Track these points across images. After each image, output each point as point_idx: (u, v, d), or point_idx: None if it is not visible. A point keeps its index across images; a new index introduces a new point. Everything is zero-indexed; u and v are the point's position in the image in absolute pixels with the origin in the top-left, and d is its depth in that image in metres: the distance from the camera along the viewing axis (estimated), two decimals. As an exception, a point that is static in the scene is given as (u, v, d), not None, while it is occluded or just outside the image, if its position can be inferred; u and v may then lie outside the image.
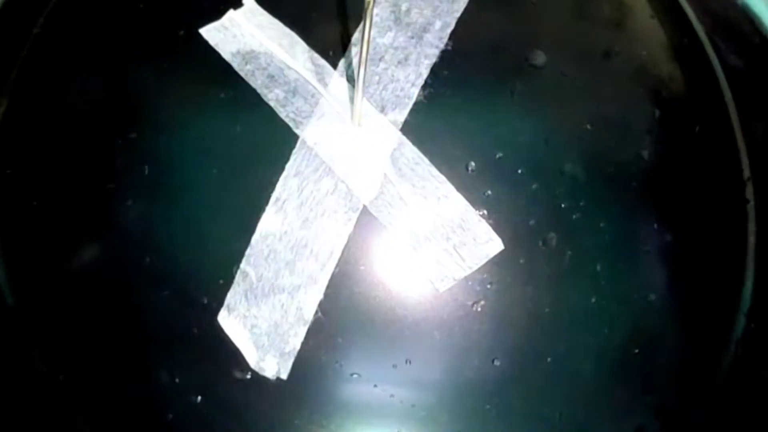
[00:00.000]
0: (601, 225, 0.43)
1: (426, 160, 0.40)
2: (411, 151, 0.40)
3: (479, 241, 0.40)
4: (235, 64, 0.41)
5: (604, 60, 0.45)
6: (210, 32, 0.42)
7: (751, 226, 0.50)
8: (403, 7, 0.41)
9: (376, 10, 0.42)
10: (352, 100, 0.40)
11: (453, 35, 0.42)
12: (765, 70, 0.55)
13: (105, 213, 0.42)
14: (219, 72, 0.42)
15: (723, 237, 0.49)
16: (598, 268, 0.43)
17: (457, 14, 0.42)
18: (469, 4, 0.42)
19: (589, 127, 0.44)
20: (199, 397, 0.42)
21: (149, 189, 0.41)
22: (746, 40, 0.56)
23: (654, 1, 0.49)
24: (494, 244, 0.41)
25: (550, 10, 0.45)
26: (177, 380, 0.43)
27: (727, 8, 0.56)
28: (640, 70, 0.46)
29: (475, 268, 0.41)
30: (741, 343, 0.49)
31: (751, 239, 0.50)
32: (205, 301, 0.41)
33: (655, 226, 0.44)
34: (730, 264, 0.49)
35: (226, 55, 0.41)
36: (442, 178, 0.40)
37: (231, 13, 0.42)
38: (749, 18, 0.55)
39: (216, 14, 0.42)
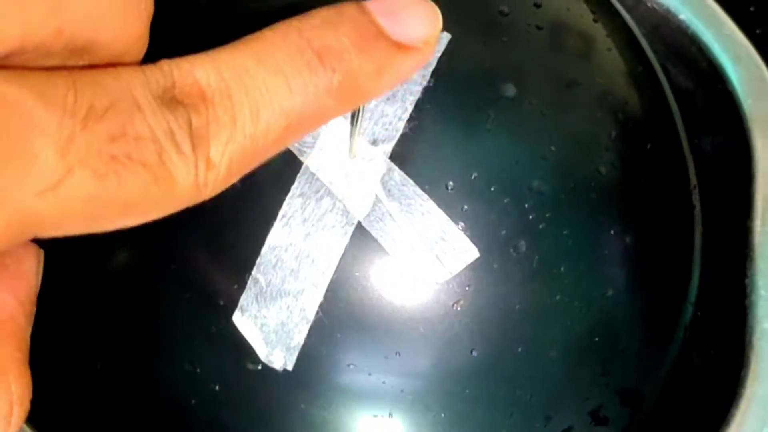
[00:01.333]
0: (564, 233, 0.43)
1: (411, 182, 0.40)
2: (398, 174, 0.40)
3: (458, 249, 0.41)
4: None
5: (567, 90, 0.45)
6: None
7: (697, 229, 0.50)
8: None
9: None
10: (349, 134, 0.40)
11: (434, 73, 0.41)
12: (710, 90, 0.55)
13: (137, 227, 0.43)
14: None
15: (672, 238, 0.49)
16: (562, 269, 0.43)
17: (438, 54, 0.42)
18: (447, 45, 0.42)
19: (553, 148, 0.43)
20: (218, 386, 0.43)
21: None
22: (694, 64, 0.56)
23: (611, 34, 0.48)
24: (471, 252, 0.41)
25: (519, 47, 0.45)
26: (198, 371, 0.43)
27: (677, 36, 0.56)
28: (599, 97, 0.46)
29: (455, 273, 0.41)
30: (689, 329, 0.49)
31: (697, 240, 0.50)
32: (222, 303, 0.41)
33: (612, 232, 0.44)
34: (679, 261, 0.49)
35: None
36: (425, 196, 0.40)
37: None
38: (697, 45, 0.55)
39: None
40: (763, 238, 0.50)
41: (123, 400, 0.47)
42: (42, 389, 0.45)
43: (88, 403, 0.48)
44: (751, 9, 0.67)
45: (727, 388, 0.48)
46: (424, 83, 0.41)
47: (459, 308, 0.41)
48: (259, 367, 0.41)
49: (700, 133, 0.52)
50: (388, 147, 0.40)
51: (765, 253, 0.50)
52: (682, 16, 0.55)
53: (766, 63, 0.54)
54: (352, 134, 0.39)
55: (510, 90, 0.43)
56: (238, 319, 0.41)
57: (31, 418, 0.44)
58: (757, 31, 0.56)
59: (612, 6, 0.51)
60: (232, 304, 0.41)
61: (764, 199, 0.51)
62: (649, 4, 0.56)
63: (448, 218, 0.41)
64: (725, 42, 0.55)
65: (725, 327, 0.50)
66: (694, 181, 0.50)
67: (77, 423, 0.48)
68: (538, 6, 0.46)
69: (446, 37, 0.42)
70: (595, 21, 0.48)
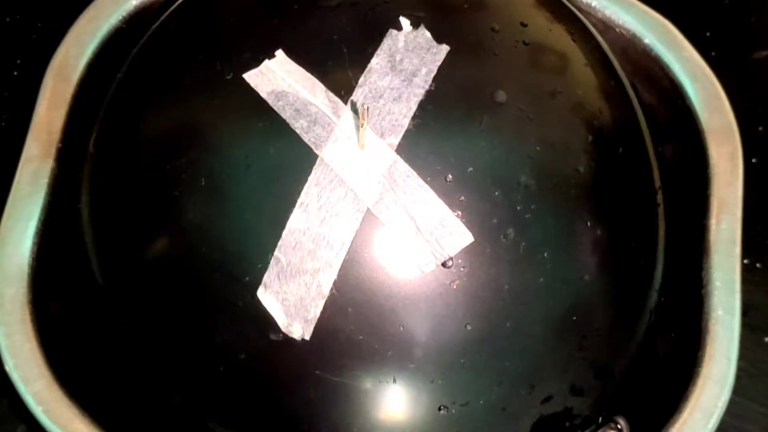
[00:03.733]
0: (548, 223, 0.43)
1: (414, 174, 0.40)
2: (403, 166, 0.40)
3: (455, 234, 0.40)
4: (270, 101, 0.41)
5: (550, 98, 0.45)
6: (251, 77, 0.42)
7: (661, 225, 0.50)
8: (397, 58, 0.41)
9: (377, 60, 0.42)
10: (358, 128, 0.39)
11: (435, 79, 0.42)
12: (671, 105, 0.55)
13: (172, 214, 0.42)
14: (258, 107, 0.42)
15: (639, 231, 0.49)
16: (546, 255, 0.43)
17: (438, 63, 0.42)
18: (447, 56, 0.42)
19: (538, 148, 0.43)
20: (244, 354, 0.42)
21: (205, 196, 0.41)
22: (657, 82, 0.56)
23: (588, 52, 0.48)
24: (466, 237, 0.40)
25: (508, 60, 0.45)
26: (227, 342, 0.43)
27: (642, 58, 0.56)
28: (578, 106, 0.46)
29: (452, 255, 0.41)
30: (654, 312, 0.49)
31: (661, 233, 0.50)
32: (247, 280, 0.41)
33: (588, 223, 0.44)
34: (645, 252, 0.49)
35: (263, 94, 0.41)
36: (427, 187, 0.40)
37: (266, 62, 0.42)
38: (660, 65, 0.55)
39: (255, 63, 0.42)
40: (717, 235, 0.50)
41: (165, 371, 0.46)
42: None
43: (123, 369, 0.48)
44: (707, 34, 0.67)
45: (686, 367, 0.48)
46: (426, 87, 0.42)
47: (455, 287, 0.41)
48: (280, 338, 0.41)
49: (663, 143, 0.52)
50: (395, 140, 0.41)
51: (719, 249, 0.50)
52: (646, 41, 0.55)
53: (721, 82, 0.54)
54: (360, 127, 0.39)
55: (501, 96, 0.43)
56: (261, 294, 0.40)
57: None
58: (713, 54, 0.56)
59: (587, 28, 0.51)
60: (257, 281, 0.41)
61: (718, 200, 0.51)
62: (617, 30, 0.56)
63: (446, 207, 0.41)
64: (684, 63, 0.55)
65: (684, 313, 0.49)
66: (658, 182, 0.49)
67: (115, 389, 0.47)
68: (524, 25, 0.46)
69: (445, 48, 0.42)
70: (573, 41, 0.48)
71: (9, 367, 0.45)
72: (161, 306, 0.44)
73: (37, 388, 0.45)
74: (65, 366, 0.46)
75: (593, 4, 0.56)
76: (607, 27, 0.55)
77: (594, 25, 0.53)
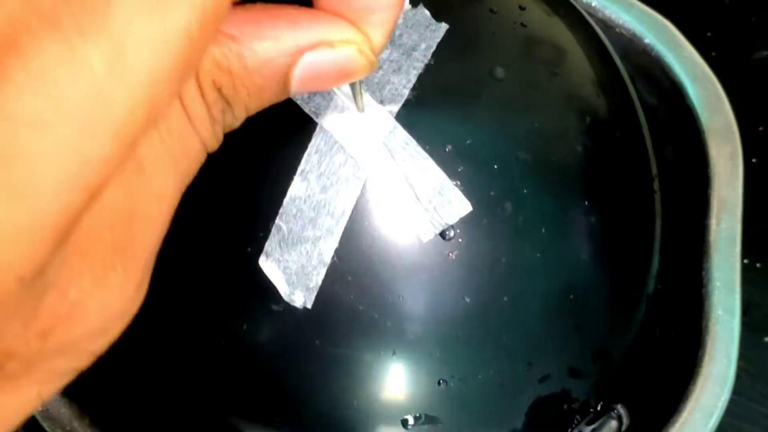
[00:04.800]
0: (545, 199, 0.44)
1: (414, 141, 0.40)
2: (402, 134, 0.40)
3: (453, 203, 0.41)
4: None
5: (548, 78, 0.45)
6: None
7: (657, 211, 0.51)
8: (396, 33, 0.42)
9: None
10: (356, 94, 0.40)
11: (434, 54, 0.42)
12: (672, 105, 0.56)
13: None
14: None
15: (636, 215, 0.49)
16: (543, 231, 0.43)
17: (437, 40, 0.42)
18: (446, 33, 0.43)
19: (536, 125, 0.44)
20: (245, 325, 0.43)
21: (205, 167, 0.42)
22: (657, 82, 0.56)
23: (585, 40, 0.49)
24: (465, 206, 0.41)
25: (506, 39, 0.46)
26: (228, 313, 0.43)
27: (642, 58, 0.56)
28: (576, 87, 0.47)
29: (451, 224, 0.41)
30: (651, 298, 0.50)
31: (658, 221, 0.50)
32: (249, 250, 0.41)
33: (586, 204, 0.45)
34: (642, 237, 0.49)
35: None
36: (426, 155, 0.40)
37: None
38: (660, 65, 0.56)
39: None
40: (717, 235, 0.50)
41: (168, 340, 0.47)
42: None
43: (121, 369, 0.48)
44: (708, 34, 0.68)
45: (685, 367, 0.48)
46: (425, 61, 0.42)
47: (453, 257, 0.42)
48: (282, 307, 0.41)
49: (664, 143, 0.53)
50: (394, 108, 0.41)
51: (719, 249, 0.50)
52: (647, 41, 0.56)
53: (721, 82, 0.54)
54: (356, 92, 0.39)
55: (500, 72, 0.44)
56: (263, 262, 0.41)
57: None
58: (713, 54, 0.57)
59: (585, 19, 0.52)
60: (258, 250, 0.41)
61: (719, 200, 0.51)
62: (617, 30, 0.57)
63: (445, 176, 0.41)
64: (685, 63, 0.55)
65: (684, 313, 0.49)
66: (655, 171, 0.50)
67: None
68: (522, 9, 0.47)
69: (444, 26, 0.43)
70: (571, 26, 0.49)
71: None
72: (155, 281, 0.44)
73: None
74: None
75: (593, 5, 0.57)
76: (607, 27, 0.56)
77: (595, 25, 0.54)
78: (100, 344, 0.28)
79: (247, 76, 0.26)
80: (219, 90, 0.26)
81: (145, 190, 0.25)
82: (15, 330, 0.23)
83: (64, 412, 0.46)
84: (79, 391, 0.47)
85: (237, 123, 0.29)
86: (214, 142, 0.29)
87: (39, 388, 0.26)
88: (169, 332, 0.46)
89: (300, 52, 0.26)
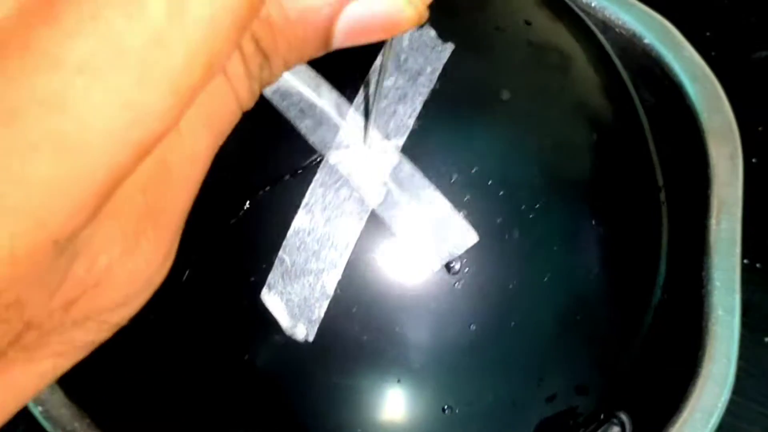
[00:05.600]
0: (552, 221, 0.43)
1: (420, 173, 0.40)
2: (408, 166, 0.40)
3: (460, 234, 0.40)
4: (274, 101, 0.41)
5: (554, 97, 0.45)
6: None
7: (664, 223, 0.50)
8: (402, 57, 0.41)
9: (382, 61, 0.42)
10: (364, 128, 0.40)
11: (440, 78, 0.42)
12: (672, 105, 0.55)
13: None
14: (263, 108, 0.42)
15: (643, 230, 0.49)
16: (551, 252, 0.43)
17: (443, 62, 0.42)
18: (451, 54, 0.42)
19: (542, 147, 0.44)
20: (247, 355, 0.42)
21: (214, 198, 0.41)
22: (657, 82, 0.56)
23: (590, 52, 0.49)
24: (471, 237, 0.41)
25: (512, 58, 0.45)
26: (231, 342, 0.43)
27: (642, 58, 0.56)
28: (581, 105, 0.46)
29: (457, 255, 0.41)
30: (657, 309, 0.49)
31: (664, 232, 0.50)
32: (252, 280, 0.41)
33: (593, 222, 0.44)
34: (649, 249, 0.49)
35: (267, 93, 0.41)
36: (432, 186, 0.40)
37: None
38: (660, 65, 0.56)
39: None
40: (717, 236, 0.50)
41: (156, 371, 0.46)
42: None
43: (121, 369, 0.48)
44: (707, 34, 0.68)
45: (686, 367, 0.48)
46: (431, 86, 0.41)
47: (459, 286, 0.41)
48: (284, 339, 0.41)
49: (663, 143, 0.52)
50: (400, 141, 0.40)
51: (719, 249, 0.50)
52: (646, 41, 0.55)
53: (720, 81, 0.54)
54: (366, 127, 0.40)
55: (505, 94, 0.43)
56: (265, 295, 0.40)
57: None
58: (713, 54, 0.56)
59: (589, 27, 0.51)
60: (261, 282, 0.41)
61: (718, 200, 0.51)
62: (617, 30, 0.56)
63: (451, 206, 0.41)
64: (684, 63, 0.55)
65: (685, 313, 0.49)
66: (660, 182, 0.49)
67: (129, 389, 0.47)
68: (528, 24, 0.46)
69: (450, 47, 0.42)
70: (576, 39, 0.48)
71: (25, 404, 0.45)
72: (161, 306, 0.44)
73: (36, 389, 0.45)
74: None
75: (593, 5, 0.56)
76: (607, 27, 0.56)
77: (594, 26, 0.53)
78: (122, 316, 0.27)
79: (288, 27, 0.24)
80: (257, 43, 0.24)
81: (178, 150, 0.24)
82: (40, 299, 0.22)
83: (65, 412, 0.46)
84: (80, 391, 0.46)
85: (274, 79, 0.27)
86: (249, 100, 0.27)
87: (54, 361, 0.25)
88: (173, 352, 0.46)
89: (345, 1, 0.24)
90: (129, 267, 0.25)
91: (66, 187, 0.19)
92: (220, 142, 0.27)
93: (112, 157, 0.19)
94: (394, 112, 0.41)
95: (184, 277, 0.42)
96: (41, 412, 0.45)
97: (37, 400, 0.45)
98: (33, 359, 0.24)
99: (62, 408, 0.45)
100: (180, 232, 0.27)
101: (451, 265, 0.41)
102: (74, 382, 0.46)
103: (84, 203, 0.19)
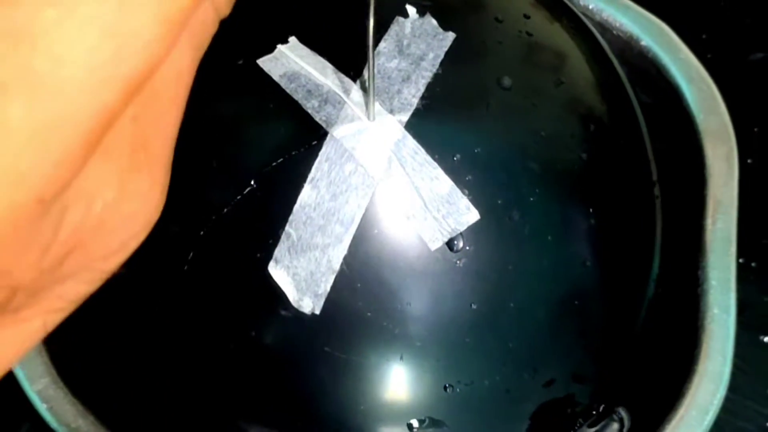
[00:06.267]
0: (551, 207, 0.44)
1: (423, 150, 0.41)
2: (412, 143, 0.41)
3: (462, 212, 0.41)
4: (282, 83, 0.42)
5: (554, 87, 0.46)
6: (264, 62, 0.42)
7: (658, 216, 0.51)
8: (405, 43, 0.42)
9: (384, 44, 0.43)
10: (367, 104, 0.40)
11: (442, 63, 0.42)
12: (668, 106, 0.56)
13: (182, 189, 0.43)
14: (271, 89, 0.42)
15: (638, 221, 0.50)
16: (549, 239, 0.44)
17: (445, 49, 0.43)
18: (453, 42, 0.43)
19: (543, 134, 0.44)
20: (253, 332, 0.43)
21: (222, 175, 0.42)
22: (654, 83, 0.57)
23: (587, 48, 0.50)
24: (473, 215, 0.41)
25: (514, 48, 0.46)
26: (237, 319, 0.43)
27: (639, 60, 0.57)
28: (580, 96, 0.47)
29: (458, 232, 0.41)
30: (651, 302, 0.50)
31: (659, 226, 0.51)
32: (259, 256, 0.41)
33: (590, 211, 0.45)
34: (644, 242, 0.50)
35: (275, 77, 0.42)
36: (435, 164, 0.41)
37: (279, 47, 0.43)
38: (656, 67, 0.56)
39: (270, 49, 0.43)
40: (713, 235, 0.51)
41: (161, 358, 0.47)
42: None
43: (124, 367, 0.48)
44: (703, 36, 0.69)
45: (682, 364, 0.48)
46: (434, 70, 0.42)
47: (460, 265, 0.42)
48: (291, 313, 0.41)
49: (660, 143, 0.53)
50: (404, 117, 0.41)
51: (715, 248, 0.50)
52: (643, 43, 0.56)
53: (716, 83, 0.55)
54: (369, 101, 0.40)
55: (507, 81, 0.44)
56: (272, 269, 0.41)
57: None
58: (708, 56, 0.57)
59: (586, 25, 0.52)
60: (268, 257, 0.41)
61: (714, 201, 0.52)
62: (615, 32, 0.57)
63: (453, 184, 0.41)
64: (681, 65, 0.56)
65: (681, 311, 0.50)
66: (655, 176, 0.50)
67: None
68: (527, 17, 0.47)
69: (451, 35, 0.43)
70: (574, 35, 0.49)
71: (14, 366, 0.46)
72: (167, 286, 0.44)
73: (42, 386, 0.45)
74: (68, 365, 0.47)
75: (591, 7, 0.57)
76: (604, 29, 0.57)
77: (593, 27, 0.54)
78: (115, 262, 0.25)
79: None
80: None
81: (164, 70, 0.22)
82: (28, 261, 0.20)
83: (70, 409, 0.46)
84: (84, 389, 0.46)
85: None
86: (227, 6, 0.25)
87: (44, 318, 0.23)
88: (178, 334, 0.46)
89: None
90: (125, 209, 0.23)
91: (46, 135, 0.17)
92: (199, 56, 0.25)
93: (98, 97, 0.17)
94: (398, 91, 0.42)
95: (191, 255, 0.42)
96: (47, 410, 0.45)
97: (43, 398, 0.45)
98: (20, 320, 0.23)
99: (66, 405, 0.46)
100: (170, 163, 0.26)
101: (454, 242, 0.41)
102: (78, 381, 0.46)
103: (69, 153, 0.18)
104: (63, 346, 0.47)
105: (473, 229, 0.42)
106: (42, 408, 0.45)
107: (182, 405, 0.47)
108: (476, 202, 0.41)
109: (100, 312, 0.45)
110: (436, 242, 0.41)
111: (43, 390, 0.44)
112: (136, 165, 0.22)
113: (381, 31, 0.44)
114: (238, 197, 0.42)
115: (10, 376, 0.45)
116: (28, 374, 0.45)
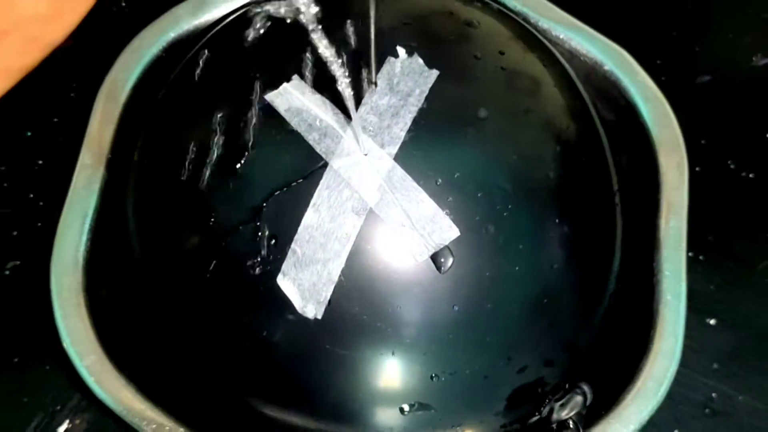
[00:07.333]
0: (522, 220, 0.43)
1: (409, 178, 0.40)
2: (399, 171, 0.40)
3: (444, 230, 0.41)
4: (287, 117, 0.41)
5: (524, 115, 0.45)
6: (272, 97, 0.42)
7: (618, 221, 0.50)
8: (395, 81, 0.42)
9: (378, 83, 0.42)
10: (362, 139, 0.41)
11: (427, 98, 0.42)
12: (627, 122, 0.55)
13: (204, 214, 0.43)
14: (277, 122, 0.42)
15: (600, 227, 0.49)
16: (521, 247, 0.43)
17: (429, 85, 0.42)
18: (436, 79, 0.43)
19: (514, 157, 0.44)
20: (266, 332, 0.43)
21: (233, 198, 0.42)
22: (615, 102, 0.56)
23: (556, 77, 0.49)
24: (453, 232, 0.41)
25: (489, 82, 0.45)
26: (251, 321, 0.43)
27: (603, 82, 0.56)
28: (548, 121, 0.46)
29: (441, 247, 0.41)
30: (612, 296, 0.49)
31: (618, 229, 0.50)
32: (269, 268, 0.41)
33: (557, 220, 0.44)
34: (605, 245, 0.49)
35: (281, 111, 0.42)
36: (420, 189, 0.40)
37: (285, 85, 0.42)
38: (618, 88, 0.56)
39: (275, 86, 0.42)
40: (666, 233, 0.50)
41: (191, 345, 0.47)
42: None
43: (162, 344, 0.49)
44: (658, 62, 0.68)
45: (640, 344, 0.48)
46: (419, 105, 0.42)
47: (444, 274, 0.41)
48: (297, 318, 0.41)
49: (620, 154, 0.52)
50: (393, 150, 0.41)
51: (668, 244, 0.50)
52: (606, 67, 0.55)
53: (669, 102, 0.54)
54: (364, 138, 0.40)
55: (482, 112, 0.43)
56: (281, 280, 0.41)
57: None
58: (662, 78, 0.56)
59: (555, 56, 0.51)
60: (277, 270, 0.41)
61: (667, 203, 0.51)
62: (581, 58, 0.56)
63: (436, 206, 0.41)
64: (638, 86, 0.55)
65: (639, 299, 0.49)
66: (616, 186, 0.49)
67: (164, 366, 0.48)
68: (502, 54, 0.46)
69: (435, 72, 0.42)
70: (544, 66, 0.48)
71: (66, 343, 0.45)
72: (194, 291, 0.44)
73: (90, 361, 0.45)
74: (114, 342, 0.47)
75: (561, 36, 0.56)
76: (572, 56, 0.56)
77: (561, 54, 0.53)
78: (52, 35, 0.23)
79: None
80: None
81: None
82: None
83: (113, 381, 0.46)
84: (126, 364, 0.47)
85: None
86: None
87: None
88: (200, 336, 0.46)
89: None
90: None
91: None
92: None
93: None
94: (388, 126, 0.41)
95: (211, 267, 0.42)
96: (94, 382, 0.45)
97: (91, 372, 0.45)
98: None
99: (111, 378, 0.45)
100: None
101: (441, 265, 0.41)
102: (122, 356, 0.46)
103: None
104: (108, 328, 0.47)
105: (454, 242, 0.41)
106: (90, 380, 0.45)
107: (208, 386, 0.47)
108: (456, 220, 0.41)
109: (141, 301, 0.45)
110: (422, 256, 0.41)
111: (91, 365, 0.44)
112: None
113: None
114: (254, 218, 0.41)
115: (62, 352, 0.45)
116: (79, 351, 0.45)
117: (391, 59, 0.43)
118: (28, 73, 0.23)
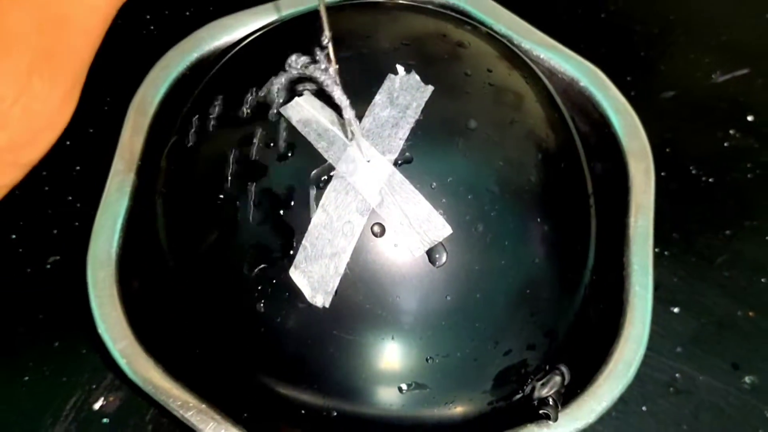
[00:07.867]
0: (508, 219, 0.44)
1: (407, 182, 0.41)
2: (399, 176, 0.41)
3: (438, 228, 0.41)
4: (299, 127, 0.42)
5: (509, 126, 0.46)
6: (284, 109, 0.43)
7: (592, 221, 0.51)
8: (395, 95, 0.42)
9: (379, 97, 0.42)
10: (366, 147, 0.41)
11: (423, 111, 0.43)
12: (600, 133, 0.56)
13: (225, 215, 0.43)
14: (290, 132, 0.42)
15: (577, 226, 0.50)
16: (506, 243, 0.44)
17: (425, 99, 0.43)
18: (432, 93, 0.43)
19: (501, 163, 0.44)
20: (279, 318, 0.43)
21: (251, 201, 0.42)
22: (590, 115, 0.56)
23: (537, 91, 0.49)
24: (447, 230, 0.41)
25: (478, 97, 0.46)
26: (266, 309, 0.43)
27: (578, 97, 0.56)
28: (530, 132, 0.47)
29: (436, 243, 0.41)
30: (588, 287, 0.50)
31: (593, 228, 0.51)
32: (284, 263, 0.42)
33: (538, 220, 0.45)
34: (581, 241, 0.50)
35: (293, 122, 0.42)
36: (417, 192, 0.41)
37: (297, 98, 0.43)
38: (591, 102, 0.56)
39: (289, 99, 0.43)
40: (635, 231, 0.51)
41: (213, 331, 0.47)
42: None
43: (187, 330, 0.49)
44: (628, 78, 0.68)
45: (611, 330, 0.49)
46: (416, 116, 0.42)
47: (438, 268, 0.41)
48: (307, 306, 0.42)
49: (594, 161, 0.53)
50: (392, 157, 0.41)
51: (636, 241, 0.51)
52: (582, 84, 0.56)
53: (638, 115, 0.55)
54: (368, 146, 0.41)
55: (472, 123, 0.44)
56: (293, 272, 0.41)
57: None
58: (632, 93, 0.57)
59: (537, 74, 0.52)
60: (290, 263, 0.41)
61: (636, 204, 0.52)
62: (560, 75, 0.57)
63: (431, 207, 0.41)
64: (610, 101, 0.55)
65: (610, 289, 0.50)
66: (590, 189, 0.50)
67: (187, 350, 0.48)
68: (490, 71, 0.47)
69: (430, 88, 0.43)
70: (527, 83, 0.49)
71: (101, 330, 0.46)
72: (216, 283, 0.45)
73: (122, 345, 0.45)
74: (144, 329, 0.47)
75: (541, 56, 0.56)
76: (552, 73, 0.56)
77: (542, 72, 0.54)
78: (28, 157, 0.24)
79: None
80: None
81: (77, 2, 0.21)
82: None
83: (143, 363, 0.47)
84: (155, 347, 0.48)
85: None
86: None
87: None
88: (221, 323, 0.47)
89: None
90: (24, 105, 0.22)
91: None
92: (119, 2, 0.23)
93: None
94: (389, 135, 0.42)
95: (231, 261, 0.43)
96: (126, 364, 0.45)
97: (123, 355, 0.45)
98: None
99: (141, 360, 0.46)
100: (81, 80, 0.24)
101: (436, 260, 0.42)
102: (151, 341, 0.47)
103: None
104: (139, 315, 0.47)
105: (448, 239, 0.42)
106: (122, 362, 0.45)
107: (228, 367, 0.48)
108: (449, 219, 0.41)
109: (168, 292, 0.45)
110: (419, 251, 0.41)
111: (123, 348, 0.45)
112: (37, 70, 0.21)
113: (377, 85, 0.44)
114: (271, 219, 0.42)
115: (98, 337, 0.46)
116: (112, 337, 0.46)
117: (392, 76, 0.44)
118: (10, 190, 0.24)
